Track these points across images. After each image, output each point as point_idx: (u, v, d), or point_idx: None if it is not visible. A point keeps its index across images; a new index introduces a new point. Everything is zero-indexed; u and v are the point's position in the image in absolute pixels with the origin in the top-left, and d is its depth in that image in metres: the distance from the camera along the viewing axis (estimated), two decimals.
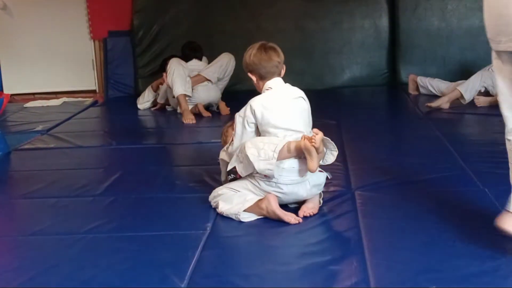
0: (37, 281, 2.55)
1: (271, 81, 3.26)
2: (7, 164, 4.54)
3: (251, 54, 3.27)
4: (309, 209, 3.13)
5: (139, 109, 6.24)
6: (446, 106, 5.45)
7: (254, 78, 3.30)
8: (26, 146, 4.92)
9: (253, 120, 3.20)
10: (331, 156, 3.23)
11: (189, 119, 5.47)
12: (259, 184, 3.15)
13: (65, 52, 7.44)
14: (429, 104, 5.47)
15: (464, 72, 6.40)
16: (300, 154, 3.07)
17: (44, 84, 7.54)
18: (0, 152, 4.61)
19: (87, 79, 7.56)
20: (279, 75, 3.29)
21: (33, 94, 7.54)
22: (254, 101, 3.23)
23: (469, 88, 5.46)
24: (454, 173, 3.70)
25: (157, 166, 4.15)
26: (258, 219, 3.12)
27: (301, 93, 3.30)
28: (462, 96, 5.47)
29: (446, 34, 6.85)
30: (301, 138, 3.04)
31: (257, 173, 3.11)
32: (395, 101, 6.45)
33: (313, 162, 3.02)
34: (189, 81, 5.70)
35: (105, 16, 7.27)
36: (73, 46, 7.44)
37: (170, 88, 5.73)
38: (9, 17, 7.46)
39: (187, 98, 5.65)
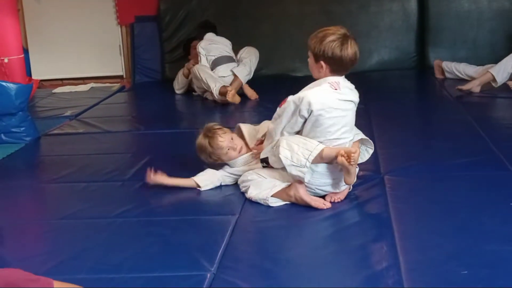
0: (68, 265, 2.58)
1: (339, 77, 3.06)
2: (37, 149, 4.58)
3: (334, 44, 2.95)
4: (336, 195, 3.11)
5: (176, 93, 6.24)
6: (477, 89, 5.36)
7: (321, 66, 3.01)
8: (55, 132, 4.96)
9: (306, 115, 2.99)
10: (366, 154, 3.22)
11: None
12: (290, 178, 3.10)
13: (93, 38, 7.46)
14: (460, 87, 5.39)
15: (494, 55, 6.29)
16: (333, 161, 3.00)
17: (72, 70, 7.58)
18: (29, 137, 4.66)
19: (114, 64, 7.58)
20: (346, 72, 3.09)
21: (61, 79, 7.59)
22: (314, 96, 2.97)
23: (501, 71, 5.35)
24: (485, 157, 3.65)
25: (186, 151, 4.15)
26: (286, 204, 3.11)
27: (357, 97, 3.14)
28: (494, 79, 5.37)
29: (476, 16, 6.73)
30: (339, 153, 2.92)
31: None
32: (424, 85, 6.37)
33: (350, 178, 3.00)
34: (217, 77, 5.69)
35: (132, 1, 7.27)
36: (100, 32, 7.46)
37: (196, 79, 5.74)
38: (37, 4, 7.50)
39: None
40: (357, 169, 3.14)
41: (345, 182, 3.05)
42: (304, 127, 3.05)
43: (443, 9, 6.78)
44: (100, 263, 2.58)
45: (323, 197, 3.11)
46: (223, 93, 5.44)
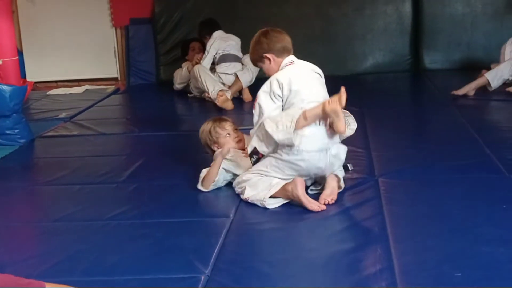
0: (62, 267, 2.57)
1: (290, 56, 3.30)
2: (31, 151, 4.57)
3: (261, 37, 3.31)
4: (328, 196, 3.11)
5: (175, 89, 6.23)
6: (471, 93, 5.37)
7: (269, 60, 3.29)
8: (49, 134, 4.95)
9: (280, 94, 3.19)
10: (349, 130, 3.23)
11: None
12: (281, 156, 3.13)
13: (87, 40, 7.46)
14: (455, 92, 5.39)
15: (489, 58, 6.32)
16: (319, 119, 3.10)
17: (66, 72, 7.57)
18: (24, 140, 4.64)
19: (109, 66, 7.58)
20: (292, 53, 3.33)
21: (56, 81, 7.58)
22: (280, 75, 3.22)
23: (497, 76, 5.36)
24: (479, 160, 3.66)
25: (180, 153, 4.15)
26: (281, 206, 3.11)
27: (319, 70, 3.38)
28: (489, 83, 5.39)
29: (471, 20, 6.75)
30: (324, 105, 3.04)
31: (279, 149, 3.11)
32: (418, 88, 6.39)
33: (341, 122, 3.06)
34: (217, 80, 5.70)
35: (127, 3, 7.27)
36: (95, 34, 7.46)
37: (194, 79, 5.73)
38: (31, 6, 7.49)
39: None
40: (351, 126, 3.20)
41: (337, 130, 3.08)
42: (284, 103, 3.20)
43: (437, 12, 6.81)
44: (94, 265, 2.57)
45: (316, 199, 3.11)
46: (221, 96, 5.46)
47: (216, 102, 5.43)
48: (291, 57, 3.31)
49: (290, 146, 3.09)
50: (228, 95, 5.56)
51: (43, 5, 7.47)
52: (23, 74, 6.38)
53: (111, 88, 7.04)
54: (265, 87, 3.25)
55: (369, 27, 6.95)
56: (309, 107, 3.12)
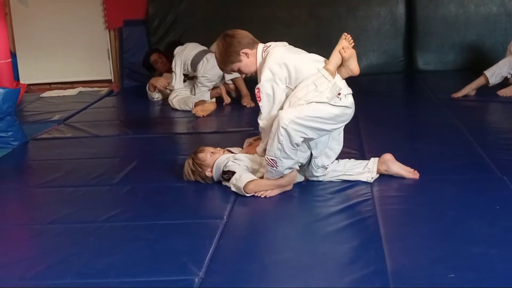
0: (55, 270, 2.56)
1: (260, 44, 3.33)
2: (25, 153, 4.56)
3: (227, 40, 3.32)
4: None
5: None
6: (472, 93, 5.38)
7: (246, 55, 3.29)
8: (43, 136, 4.95)
9: (286, 74, 3.19)
10: None
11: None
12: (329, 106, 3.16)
13: (81, 42, 7.45)
14: (454, 95, 5.38)
15: (482, 59, 6.34)
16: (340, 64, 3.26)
17: (60, 74, 7.56)
18: (17, 142, 4.63)
19: (102, 68, 7.58)
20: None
21: (49, 84, 7.57)
22: (275, 58, 3.21)
23: (495, 73, 5.36)
24: (472, 161, 3.67)
25: (174, 155, 4.15)
26: (275, 207, 3.12)
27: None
28: (487, 80, 5.37)
29: (464, 21, 6.77)
30: (340, 51, 3.23)
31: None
32: (412, 89, 6.40)
33: (357, 63, 3.29)
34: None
35: (120, 5, 7.27)
36: (88, 36, 7.45)
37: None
38: (24, 8, 7.48)
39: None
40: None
41: (354, 72, 3.30)
42: (291, 82, 3.22)
43: (430, 13, 6.82)
44: (87, 268, 2.57)
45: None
46: (197, 105, 5.47)
47: (197, 114, 5.40)
48: (262, 44, 3.34)
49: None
50: (207, 96, 5.59)
51: (36, 7, 7.46)
52: (16, 77, 6.37)
53: (104, 90, 7.04)
54: (265, 76, 3.21)
55: (362, 29, 6.96)
56: (320, 64, 3.19)
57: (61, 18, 7.43)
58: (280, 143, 3.10)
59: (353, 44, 3.30)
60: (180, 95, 5.68)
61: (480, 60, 6.47)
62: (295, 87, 3.20)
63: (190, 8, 7.08)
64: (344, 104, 3.19)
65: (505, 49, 5.70)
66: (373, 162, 3.41)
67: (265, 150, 3.23)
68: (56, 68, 7.54)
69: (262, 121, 3.28)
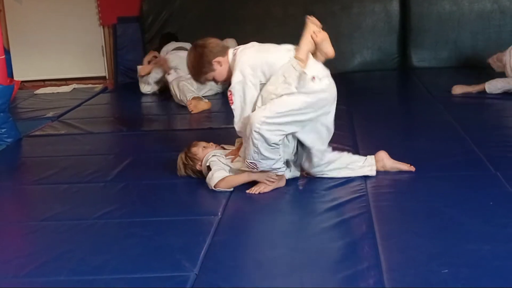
0: (49, 267, 2.56)
1: (230, 49, 3.30)
2: (18, 150, 4.55)
3: (199, 50, 3.29)
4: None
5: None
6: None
7: (219, 63, 3.26)
8: (36, 133, 4.93)
9: (259, 73, 3.16)
10: None
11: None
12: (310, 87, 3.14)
13: (75, 39, 7.44)
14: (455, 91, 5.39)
15: (476, 56, 6.35)
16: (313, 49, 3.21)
17: (54, 71, 7.55)
18: (11, 139, 4.62)
19: (97, 65, 7.56)
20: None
21: (43, 80, 7.56)
22: (245, 60, 3.19)
23: (496, 89, 5.34)
24: (466, 157, 3.69)
25: (168, 152, 4.15)
26: (270, 204, 3.13)
27: None
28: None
29: (458, 18, 6.79)
30: (311, 37, 3.19)
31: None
32: (406, 86, 6.41)
33: (330, 46, 3.24)
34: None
35: (114, 2, 7.26)
36: (82, 33, 7.44)
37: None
38: (18, 4, 7.46)
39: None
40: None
41: (329, 55, 3.25)
42: (265, 79, 3.18)
43: (424, 10, 6.83)
44: (82, 264, 2.57)
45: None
46: (194, 99, 5.49)
47: (189, 108, 5.41)
48: (232, 49, 3.31)
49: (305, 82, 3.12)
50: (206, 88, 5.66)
51: (30, 4, 7.45)
52: (10, 73, 6.33)
53: (99, 87, 7.02)
54: (236, 78, 3.19)
55: (356, 26, 6.97)
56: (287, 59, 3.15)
57: (55, 15, 7.42)
58: (255, 147, 3.10)
59: (321, 26, 3.25)
60: (182, 81, 5.67)
61: (474, 57, 6.49)
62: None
63: (184, 5, 7.07)
64: (318, 88, 3.15)
65: (499, 46, 5.70)
66: (371, 158, 3.43)
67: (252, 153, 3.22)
68: (50, 65, 7.52)
69: (236, 125, 3.26)
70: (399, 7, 6.92)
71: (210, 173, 3.32)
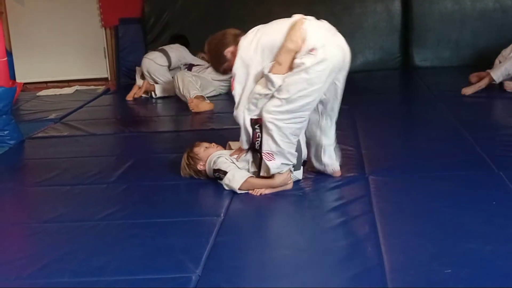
0: (51, 268, 2.56)
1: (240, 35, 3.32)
2: (21, 152, 4.56)
3: (210, 45, 3.35)
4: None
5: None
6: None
7: (233, 51, 3.26)
8: (39, 135, 4.94)
9: (259, 58, 3.16)
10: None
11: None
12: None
13: (77, 41, 7.44)
14: (465, 92, 5.37)
15: (478, 56, 6.34)
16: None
17: (56, 72, 7.56)
18: (13, 141, 4.63)
19: (99, 67, 7.57)
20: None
21: (46, 82, 7.56)
22: (247, 44, 3.20)
23: (502, 75, 5.33)
24: (468, 157, 3.67)
25: (170, 153, 4.15)
26: (271, 205, 3.13)
27: None
28: (493, 80, 5.35)
29: (460, 17, 6.77)
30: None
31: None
32: (408, 85, 6.41)
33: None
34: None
35: (116, 3, 7.26)
36: (84, 34, 7.44)
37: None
38: (21, 6, 7.47)
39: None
40: None
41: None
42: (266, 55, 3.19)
43: (426, 10, 6.82)
44: (84, 266, 2.57)
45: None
46: (196, 98, 5.52)
47: (190, 106, 5.41)
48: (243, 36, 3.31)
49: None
50: (210, 87, 5.71)
51: (32, 6, 7.45)
52: (12, 75, 6.34)
53: (101, 88, 7.03)
54: (236, 64, 3.21)
55: (358, 25, 6.96)
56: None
57: (57, 16, 7.42)
58: (273, 138, 3.13)
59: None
60: (188, 76, 5.69)
61: (476, 56, 6.48)
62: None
63: (186, 6, 7.08)
64: (316, 60, 3.09)
65: (501, 45, 5.69)
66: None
67: (245, 141, 3.25)
68: (53, 67, 7.53)
69: (235, 110, 3.26)
70: (401, 6, 6.91)
71: (229, 174, 3.27)
